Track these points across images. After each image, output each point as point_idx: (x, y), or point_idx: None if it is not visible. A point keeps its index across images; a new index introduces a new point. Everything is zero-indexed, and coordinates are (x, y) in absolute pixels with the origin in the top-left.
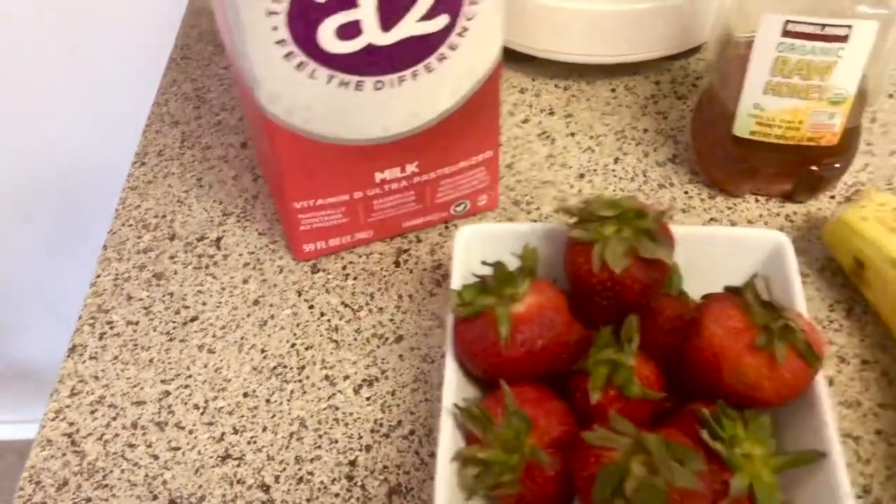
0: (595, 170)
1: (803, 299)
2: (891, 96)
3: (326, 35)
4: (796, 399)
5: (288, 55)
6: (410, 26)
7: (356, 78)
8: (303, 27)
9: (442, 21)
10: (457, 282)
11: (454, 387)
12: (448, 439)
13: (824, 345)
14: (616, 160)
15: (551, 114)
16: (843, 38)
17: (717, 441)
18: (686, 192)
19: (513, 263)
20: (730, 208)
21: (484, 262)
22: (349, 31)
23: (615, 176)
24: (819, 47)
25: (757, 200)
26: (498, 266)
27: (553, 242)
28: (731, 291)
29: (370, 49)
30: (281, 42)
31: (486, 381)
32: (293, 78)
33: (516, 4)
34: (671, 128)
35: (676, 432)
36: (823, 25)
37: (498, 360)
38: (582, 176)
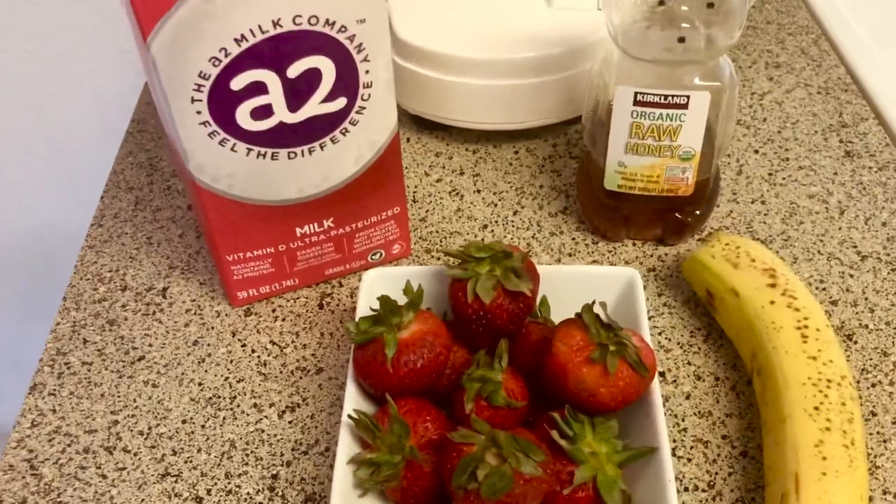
0: (497, 221)
1: (647, 324)
2: (756, 152)
3: (243, 116)
4: (635, 405)
5: (211, 133)
6: (314, 108)
7: (271, 150)
8: (222, 111)
9: (341, 102)
10: (360, 316)
11: (353, 402)
12: (346, 446)
13: (654, 359)
14: (515, 213)
15: (461, 174)
16: (684, 106)
17: (564, 439)
18: (573, 239)
19: (404, 300)
20: (610, 251)
21: (378, 298)
22: (262, 112)
23: (514, 226)
24: (665, 113)
25: (634, 244)
26: (384, 300)
27: (444, 282)
28: (578, 316)
29: (281, 126)
30: (205, 123)
31: (378, 398)
32: (217, 151)
33: (432, 81)
34: (564, 184)
35: (525, 431)
36: (666, 96)
37: (385, 378)
38: (485, 227)
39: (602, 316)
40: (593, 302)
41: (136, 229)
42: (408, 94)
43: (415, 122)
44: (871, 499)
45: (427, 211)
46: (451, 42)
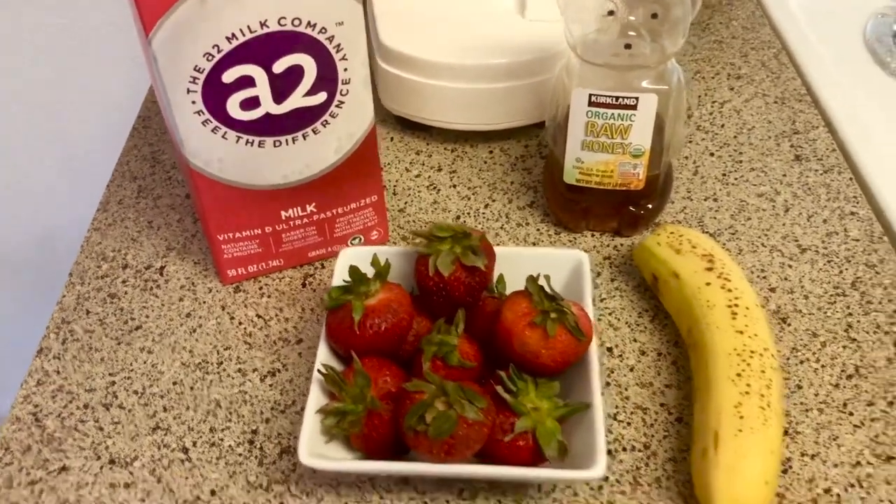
0: (469, 213)
1: (590, 299)
2: (712, 154)
3: (233, 107)
4: (575, 369)
5: (205, 122)
6: (297, 100)
7: (258, 138)
8: (214, 101)
9: (322, 97)
10: (333, 286)
11: (323, 360)
12: (315, 398)
13: (592, 327)
14: (486, 206)
15: (439, 170)
16: (633, 107)
17: (508, 394)
18: (538, 230)
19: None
20: (571, 241)
21: (349, 269)
22: (250, 103)
23: (484, 217)
24: (617, 113)
25: (592, 235)
26: (353, 270)
27: (411, 261)
28: (525, 290)
29: (268, 117)
30: (199, 112)
31: (346, 359)
32: (209, 138)
33: (414, 85)
34: (533, 181)
35: (471, 383)
36: (617, 97)
37: (352, 339)
38: (458, 217)
39: (546, 288)
40: (538, 275)
41: (138, 214)
42: (392, 97)
43: (398, 123)
44: (789, 459)
45: (406, 202)
46: (432, 49)
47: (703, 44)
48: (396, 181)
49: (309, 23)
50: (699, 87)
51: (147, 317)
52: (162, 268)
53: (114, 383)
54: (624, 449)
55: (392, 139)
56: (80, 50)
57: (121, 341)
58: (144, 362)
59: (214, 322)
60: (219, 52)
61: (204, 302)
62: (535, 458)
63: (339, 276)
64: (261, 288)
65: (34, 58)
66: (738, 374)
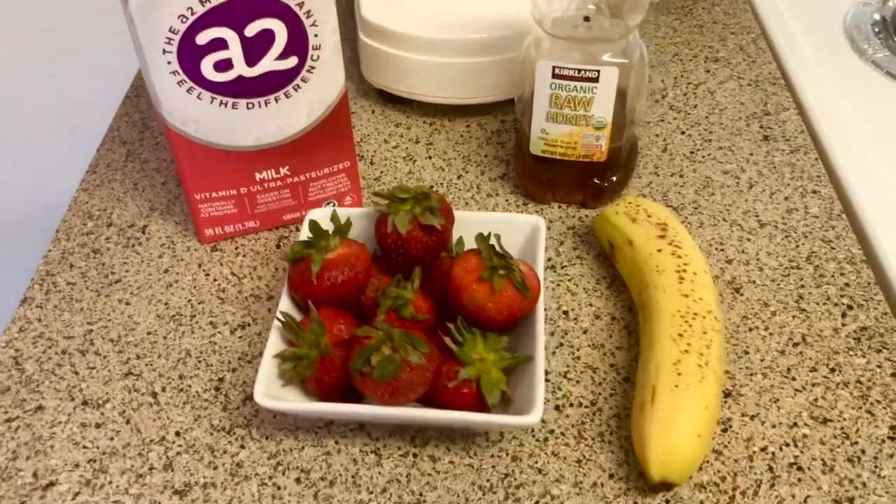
0: (442, 183)
1: (542, 261)
2: (682, 133)
3: (207, 68)
4: (523, 325)
5: (180, 82)
6: (269, 63)
7: (232, 100)
8: (188, 62)
9: (293, 61)
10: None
11: (284, 309)
12: (273, 344)
13: (539, 285)
14: (459, 177)
15: (417, 142)
16: (595, 80)
17: (454, 344)
18: (507, 200)
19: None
20: (538, 212)
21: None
22: (223, 65)
23: (456, 188)
24: (579, 86)
25: (559, 207)
26: (314, 225)
27: (373, 221)
28: (476, 248)
29: (240, 79)
30: (174, 73)
31: (306, 309)
32: (184, 98)
33: (394, 58)
34: (507, 154)
35: (418, 330)
36: (579, 70)
37: (311, 290)
38: (431, 187)
39: (496, 246)
40: (489, 234)
41: (125, 177)
42: (373, 70)
43: (380, 96)
44: (729, 420)
45: (382, 172)
46: (411, 23)
47: (684, 27)
48: (374, 152)
49: None
50: (676, 69)
51: (127, 272)
52: (144, 227)
53: (91, 332)
54: (571, 405)
55: (373, 112)
56: (79, 25)
57: (100, 293)
58: (122, 313)
59: (191, 278)
60: (192, 14)
61: (182, 259)
62: (479, 405)
63: (305, 233)
64: (237, 248)
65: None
66: (680, 335)
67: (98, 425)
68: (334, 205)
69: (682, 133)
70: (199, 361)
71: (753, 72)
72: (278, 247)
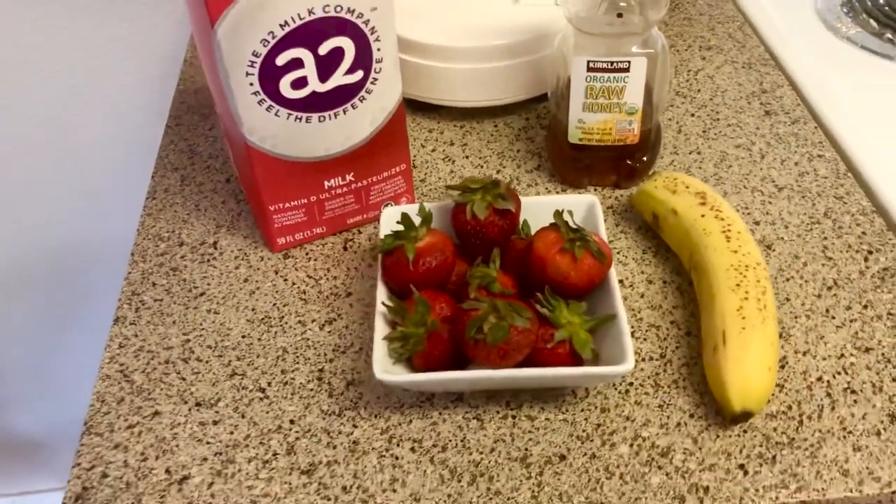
0: None
1: (604, 232)
2: (692, 115)
3: (285, 87)
4: (598, 290)
5: (260, 101)
6: (339, 79)
7: (305, 114)
8: (269, 83)
9: (359, 75)
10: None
11: (383, 296)
12: (380, 327)
13: (611, 251)
14: (498, 171)
15: (451, 144)
16: (626, 70)
17: (545, 309)
18: (546, 189)
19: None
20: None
21: (397, 222)
22: (299, 83)
23: None
24: (612, 76)
25: (595, 190)
26: (404, 216)
27: (446, 214)
28: (552, 225)
29: (313, 95)
30: (255, 93)
31: (401, 295)
32: (264, 116)
33: (422, 68)
34: (536, 148)
35: (518, 301)
36: (612, 62)
37: (408, 276)
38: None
39: (570, 221)
40: (563, 210)
41: (185, 199)
42: (403, 81)
43: (409, 105)
44: (784, 357)
45: (426, 174)
46: (436, 34)
47: (675, 21)
48: (415, 156)
49: (349, 9)
50: (675, 59)
51: (209, 284)
52: (215, 242)
53: (188, 341)
54: (643, 360)
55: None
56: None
57: (188, 306)
58: (213, 322)
59: (270, 284)
60: (273, 38)
61: (258, 268)
62: (574, 361)
63: (386, 228)
64: (307, 254)
65: (49, 73)
66: (737, 285)
67: (216, 422)
68: (391, 206)
69: (692, 115)
70: (297, 357)
71: (745, 55)
72: (345, 248)
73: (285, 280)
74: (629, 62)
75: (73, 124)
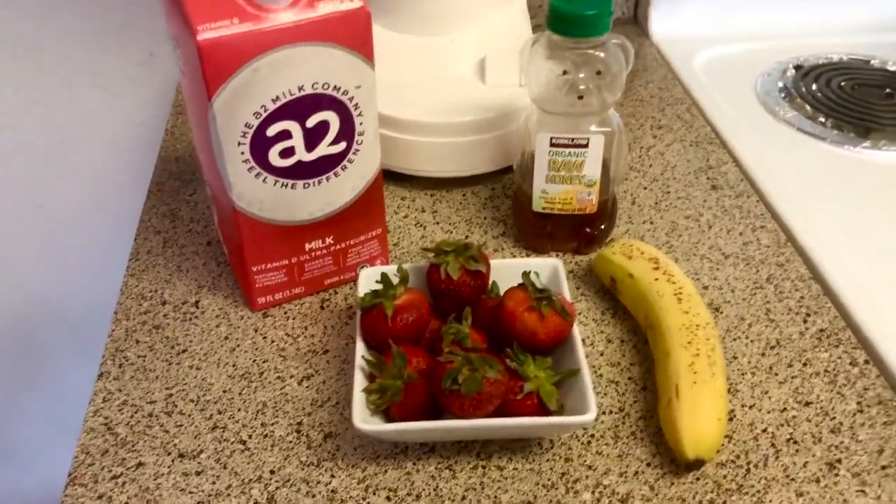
0: None
1: (568, 293)
2: (645, 188)
3: (273, 156)
4: (563, 344)
5: (250, 169)
6: (324, 149)
7: (292, 181)
8: (259, 152)
9: (342, 146)
10: (363, 293)
11: (362, 351)
12: (359, 380)
13: (574, 310)
14: (466, 237)
15: (423, 211)
16: (586, 146)
17: (514, 363)
18: (512, 253)
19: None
20: None
21: (377, 280)
22: (287, 153)
23: None
24: (573, 152)
25: (557, 255)
26: (384, 275)
27: (421, 274)
28: (520, 285)
29: (300, 164)
30: (246, 161)
31: (379, 350)
32: (253, 182)
33: (397, 141)
34: (502, 216)
35: (490, 355)
36: (572, 139)
37: (386, 331)
38: None
39: (536, 282)
40: (530, 271)
41: (167, 261)
42: None
43: (384, 175)
44: (733, 410)
45: (399, 238)
46: (411, 110)
47: (629, 102)
48: (388, 221)
49: (335, 86)
50: (629, 136)
51: (191, 342)
52: (197, 301)
53: (171, 395)
54: (604, 413)
55: None
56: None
57: (171, 362)
58: (195, 377)
59: (250, 342)
60: (265, 111)
61: (238, 327)
62: (541, 413)
63: (364, 287)
64: (285, 313)
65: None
66: (689, 342)
67: (198, 473)
68: (367, 268)
69: (646, 188)
70: (276, 410)
71: (692, 134)
72: (322, 308)
73: (264, 338)
74: (588, 139)
75: (49, 191)
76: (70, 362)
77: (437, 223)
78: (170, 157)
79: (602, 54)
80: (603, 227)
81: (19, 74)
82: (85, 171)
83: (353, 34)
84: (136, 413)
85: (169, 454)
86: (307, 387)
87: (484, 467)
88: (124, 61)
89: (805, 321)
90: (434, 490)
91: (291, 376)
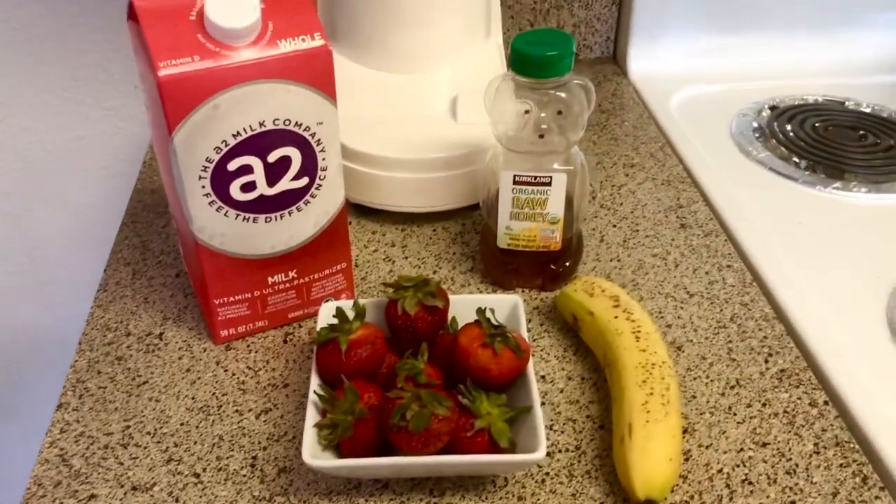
0: None
1: (525, 330)
2: (614, 226)
3: (234, 190)
4: (517, 380)
5: (211, 202)
6: (286, 184)
7: (253, 215)
8: (220, 186)
9: (304, 181)
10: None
11: (316, 385)
12: (311, 415)
13: (529, 347)
14: (434, 272)
15: (392, 246)
16: (549, 183)
17: (466, 400)
18: (478, 289)
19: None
20: None
21: (333, 315)
22: (248, 187)
23: None
24: (536, 189)
25: (522, 291)
26: (339, 311)
27: (381, 309)
28: (475, 321)
29: (261, 198)
30: (207, 195)
31: (334, 385)
32: (214, 216)
33: (367, 176)
34: (471, 251)
35: (442, 392)
36: (535, 177)
37: (340, 366)
38: None
39: (492, 318)
40: (485, 308)
41: (134, 292)
42: (350, 187)
43: (355, 209)
44: (689, 451)
45: (367, 272)
46: (382, 146)
47: (602, 140)
48: (357, 256)
49: (296, 122)
50: (601, 174)
51: (152, 373)
52: (161, 334)
53: (129, 427)
54: (560, 451)
55: (351, 223)
56: (47, 161)
57: (131, 394)
58: (153, 409)
59: (211, 374)
60: (226, 146)
61: (200, 359)
62: (492, 450)
63: (324, 321)
64: (248, 346)
65: (11, 167)
66: (644, 381)
67: None
68: (332, 301)
69: (614, 226)
70: (232, 444)
71: (664, 173)
72: (285, 342)
73: (226, 371)
74: (551, 177)
75: (31, 219)
76: (46, 389)
77: (406, 258)
78: (145, 188)
79: (563, 94)
80: (568, 264)
81: (5, 102)
82: (69, 200)
83: (315, 72)
84: (91, 444)
85: (122, 486)
86: (265, 421)
87: None
88: (112, 90)
89: (766, 361)
90: None
91: (250, 410)
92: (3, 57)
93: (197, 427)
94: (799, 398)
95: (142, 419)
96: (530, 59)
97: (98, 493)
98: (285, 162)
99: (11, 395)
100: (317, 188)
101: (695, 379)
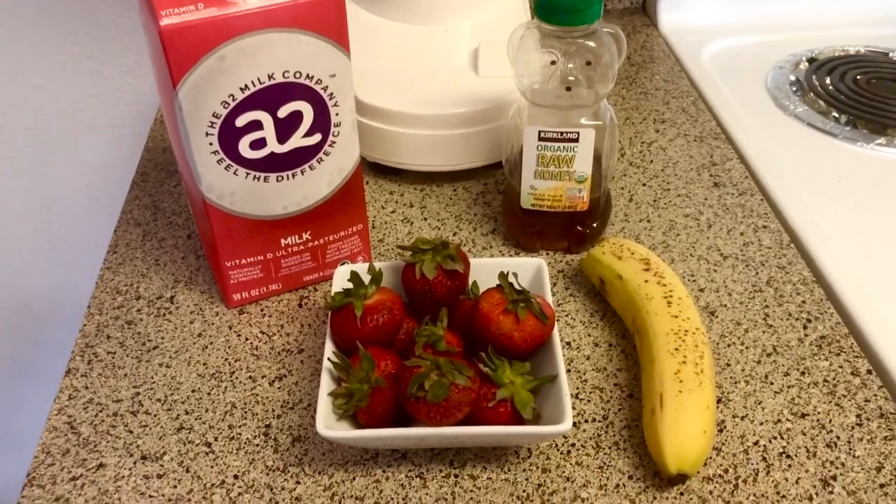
0: None
1: (550, 294)
2: (644, 185)
3: (244, 147)
4: (542, 348)
5: (219, 160)
6: (297, 141)
7: (264, 174)
8: (228, 143)
9: (317, 138)
10: (333, 293)
11: (331, 353)
12: (326, 383)
13: (554, 313)
14: (454, 234)
15: (411, 206)
16: (576, 140)
17: (488, 369)
18: (500, 252)
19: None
20: None
21: (348, 279)
22: (258, 144)
23: None
24: (562, 146)
25: (547, 254)
26: (354, 275)
27: (399, 273)
28: (497, 286)
29: (272, 156)
30: (215, 152)
31: (349, 352)
32: (223, 175)
33: (385, 133)
34: (493, 212)
35: (462, 360)
36: (562, 132)
37: (355, 333)
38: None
39: (514, 283)
40: (508, 272)
41: (145, 254)
42: (366, 145)
43: (371, 168)
44: (723, 421)
45: (384, 234)
46: (400, 101)
47: (631, 95)
48: (374, 217)
49: (308, 75)
50: (630, 131)
51: (162, 338)
52: (172, 297)
53: (138, 394)
54: (586, 421)
55: (368, 183)
56: (61, 122)
57: (141, 359)
58: (164, 375)
59: (223, 340)
60: (233, 100)
61: (213, 323)
62: (515, 421)
63: (339, 285)
64: (262, 310)
65: (23, 127)
66: (676, 349)
67: (160, 476)
68: (348, 264)
69: (644, 185)
70: (245, 412)
71: (697, 129)
72: (300, 306)
73: (238, 335)
74: (578, 133)
75: (45, 178)
76: (63, 351)
77: (425, 219)
78: (157, 147)
79: (592, 43)
80: (595, 225)
81: (16, 60)
82: (82, 159)
83: (326, 20)
84: (100, 412)
85: (131, 455)
86: (279, 388)
87: (457, 476)
88: (124, 47)
89: (805, 327)
90: (403, 499)
91: (263, 376)
92: (12, 14)
93: (209, 394)
94: (840, 366)
95: (152, 385)
96: (557, 6)
97: (107, 461)
98: (296, 117)
99: (31, 355)
100: (330, 145)
101: (729, 346)
